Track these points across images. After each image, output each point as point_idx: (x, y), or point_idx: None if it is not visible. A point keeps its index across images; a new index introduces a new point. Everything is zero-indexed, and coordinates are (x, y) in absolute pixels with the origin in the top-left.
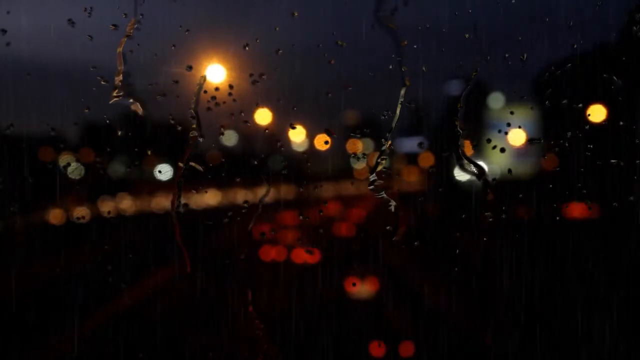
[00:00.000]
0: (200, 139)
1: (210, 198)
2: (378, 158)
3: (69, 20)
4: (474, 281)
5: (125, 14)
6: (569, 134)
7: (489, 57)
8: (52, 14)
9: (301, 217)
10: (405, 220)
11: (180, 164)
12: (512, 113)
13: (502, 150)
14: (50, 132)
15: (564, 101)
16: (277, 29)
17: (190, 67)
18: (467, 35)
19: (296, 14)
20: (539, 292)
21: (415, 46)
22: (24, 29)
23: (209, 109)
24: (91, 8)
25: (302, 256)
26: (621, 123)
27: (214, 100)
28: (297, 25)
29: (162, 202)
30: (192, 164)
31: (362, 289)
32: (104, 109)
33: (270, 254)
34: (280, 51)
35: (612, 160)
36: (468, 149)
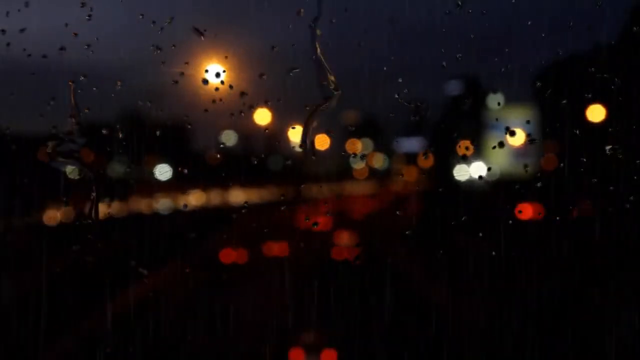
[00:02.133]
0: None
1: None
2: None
3: (66, 24)
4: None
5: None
6: (569, 134)
7: (488, 57)
8: (52, 14)
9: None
10: (402, 217)
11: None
12: (511, 113)
13: (501, 144)
14: (51, 130)
15: (564, 101)
16: (277, 29)
17: (189, 68)
18: (471, 36)
19: (302, 12)
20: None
21: (416, 46)
22: (24, 29)
23: (207, 109)
24: (91, 8)
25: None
26: (621, 123)
27: (214, 100)
28: (297, 25)
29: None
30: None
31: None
32: (104, 109)
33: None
34: (280, 51)
35: (613, 161)
36: (468, 149)
